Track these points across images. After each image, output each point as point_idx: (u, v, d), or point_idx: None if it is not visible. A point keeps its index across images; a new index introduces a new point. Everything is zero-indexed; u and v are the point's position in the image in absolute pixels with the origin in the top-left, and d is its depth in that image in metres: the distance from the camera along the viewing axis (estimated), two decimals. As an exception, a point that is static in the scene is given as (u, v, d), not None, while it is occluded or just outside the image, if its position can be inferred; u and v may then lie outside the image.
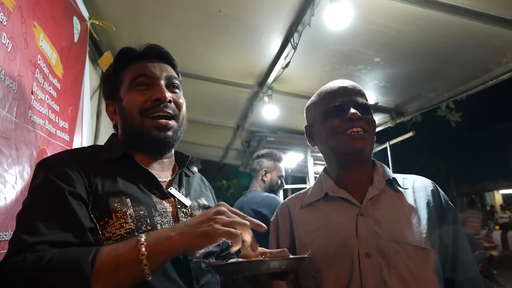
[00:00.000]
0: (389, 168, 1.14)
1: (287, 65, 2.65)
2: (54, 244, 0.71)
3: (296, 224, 1.11)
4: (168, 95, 0.95)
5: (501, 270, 6.89)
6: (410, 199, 1.06)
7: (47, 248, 0.70)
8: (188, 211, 0.96)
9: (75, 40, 1.75)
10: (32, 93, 1.21)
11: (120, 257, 0.69)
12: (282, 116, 3.65)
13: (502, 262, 8.89)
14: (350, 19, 2.01)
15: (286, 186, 6.16)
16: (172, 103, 0.96)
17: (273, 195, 2.52)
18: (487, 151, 19.56)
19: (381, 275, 0.95)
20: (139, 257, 0.68)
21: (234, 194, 15.24)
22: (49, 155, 1.34)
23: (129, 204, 0.83)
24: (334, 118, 1.06)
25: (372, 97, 3.35)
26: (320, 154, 4.62)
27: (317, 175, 1.23)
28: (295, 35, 2.27)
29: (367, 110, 1.07)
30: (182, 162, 1.06)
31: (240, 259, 0.85)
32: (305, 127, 1.20)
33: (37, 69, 1.26)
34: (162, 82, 0.96)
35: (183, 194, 0.99)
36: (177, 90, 1.01)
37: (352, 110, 1.03)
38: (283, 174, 2.66)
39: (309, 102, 1.20)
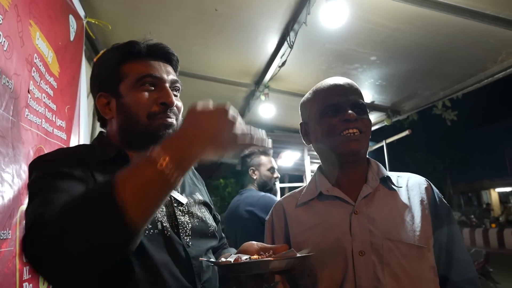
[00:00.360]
0: (385, 166, 1.14)
1: (283, 63, 2.66)
2: None
3: (290, 223, 1.12)
4: (175, 100, 0.94)
5: (497, 267, 6.94)
6: (404, 197, 1.06)
7: None
8: (185, 209, 0.96)
9: (71, 38, 1.75)
10: (28, 92, 1.21)
11: (145, 176, 0.66)
12: (278, 114, 3.66)
13: (498, 260, 8.95)
14: (346, 17, 2.02)
15: (282, 185, 6.18)
16: (176, 108, 0.96)
17: (269, 194, 2.48)
18: (484, 150, 19.69)
19: (375, 272, 0.95)
20: (166, 172, 0.65)
21: (231, 193, 15.24)
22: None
23: None
24: (330, 118, 1.05)
25: (368, 95, 3.37)
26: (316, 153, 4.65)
27: (313, 174, 1.23)
28: (291, 34, 2.28)
29: (363, 109, 1.07)
30: None
31: (241, 255, 0.87)
32: (300, 124, 1.19)
33: (34, 68, 1.26)
34: (168, 85, 0.95)
35: (178, 191, 1.00)
36: (177, 94, 1.00)
37: (349, 111, 1.02)
38: (273, 165, 2.62)
39: (304, 98, 1.19)
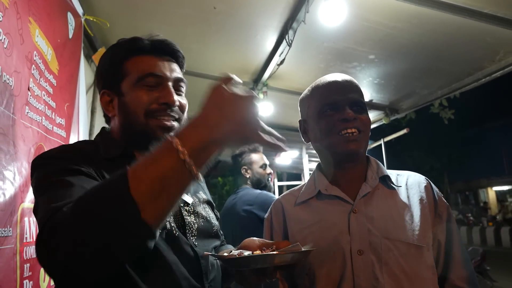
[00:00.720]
0: (383, 165, 1.13)
1: (282, 62, 2.67)
2: None
3: (289, 221, 1.11)
4: (176, 99, 0.91)
5: (494, 266, 6.99)
6: (403, 196, 1.05)
7: None
8: (191, 209, 0.95)
9: (70, 36, 1.74)
10: (28, 89, 1.22)
11: (162, 169, 0.60)
12: (277, 113, 3.66)
13: (495, 258, 9.01)
14: (344, 16, 2.03)
15: (281, 183, 6.20)
16: (178, 108, 0.93)
17: (266, 192, 2.46)
18: (481, 148, 19.77)
19: (373, 272, 0.95)
20: (184, 164, 0.60)
21: (229, 191, 15.24)
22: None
23: None
24: (328, 117, 1.04)
25: (366, 94, 3.38)
26: (315, 151, 4.67)
27: (312, 172, 1.23)
28: (290, 32, 2.28)
29: (362, 107, 1.06)
30: None
31: (243, 250, 0.87)
32: (299, 121, 1.18)
33: (33, 65, 1.27)
34: (171, 84, 0.92)
35: None
36: (183, 93, 0.97)
37: (347, 110, 1.01)
38: (265, 162, 2.58)
39: (303, 95, 1.18)
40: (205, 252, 0.84)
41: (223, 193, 15.18)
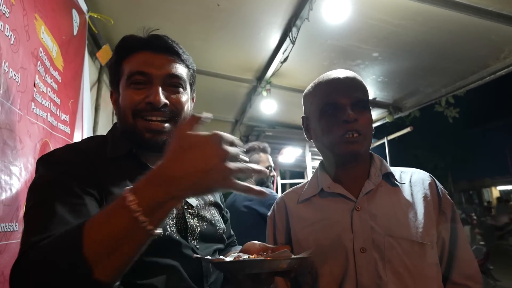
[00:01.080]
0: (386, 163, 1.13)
1: (285, 59, 2.66)
2: None
3: (292, 219, 1.11)
4: (163, 99, 0.87)
5: (498, 265, 6.96)
6: (407, 193, 1.04)
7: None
8: (195, 212, 0.95)
9: (75, 33, 1.76)
10: (34, 86, 1.23)
11: (115, 228, 0.58)
12: (280, 110, 3.66)
13: (498, 257, 8.97)
14: (348, 13, 2.03)
15: (284, 181, 6.20)
16: (169, 107, 0.89)
17: (265, 188, 2.51)
18: (485, 147, 19.65)
19: (376, 269, 0.95)
20: (138, 224, 0.57)
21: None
22: (51, 147, 1.36)
23: None
24: (329, 118, 1.03)
25: (370, 92, 3.37)
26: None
27: (314, 170, 1.23)
28: (294, 30, 2.28)
29: (364, 107, 1.04)
30: None
31: (242, 254, 0.86)
32: (302, 118, 1.18)
33: (39, 62, 1.28)
34: (160, 83, 0.89)
35: None
36: (179, 89, 0.92)
37: (348, 111, 1.00)
38: (271, 163, 2.62)
39: (306, 90, 1.16)
40: (194, 255, 0.82)
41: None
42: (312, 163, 4.85)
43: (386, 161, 1.15)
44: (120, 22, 2.25)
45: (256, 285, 0.81)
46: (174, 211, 0.89)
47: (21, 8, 1.13)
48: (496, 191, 22.00)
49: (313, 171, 4.97)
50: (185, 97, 0.94)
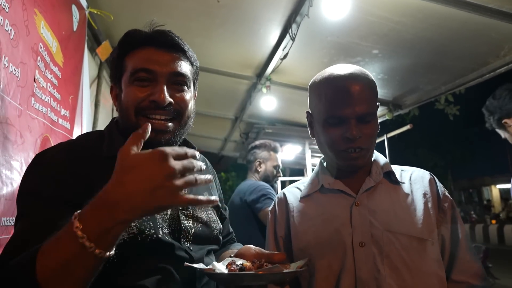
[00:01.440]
0: None
1: (285, 56, 2.66)
2: None
3: (292, 213, 1.12)
4: (168, 98, 0.85)
5: (497, 263, 6.98)
6: (407, 190, 1.05)
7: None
8: (190, 213, 0.94)
9: (74, 28, 1.76)
10: (34, 81, 1.23)
11: (64, 255, 0.59)
12: (280, 107, 3.66)
13: (498, 256, 9.00)
14: (348, 10, 2.03)
15: (283, 178, 6.20)
16: (173, 106, 0.87)
17: (262, 182, 2.52)
18: (485, 146, 19.66)
19: (375, 264, 0.96)
20: (85, 250, 0.57)
21: (232, 187, 15.28)
22: (52, 143, 1.36)
23: None
24: (333, 129, 1.01)
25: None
26: (317, 147, 4.66)
27: (314, 167, 1.23)
28: (294, 26, 2.28)
29: (370, 120, 1.01)
30: None
31: (236, 259, 0.86)
32: (306, 112, 1.15)
33: (39, 57, 1.28)
34: (165, 81, 0.87)
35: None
36: (183, 87, 0.91)
37: (352, 127, 0.97)
38: (279, 164, 2.65)
39: (312, 82, 1.11)
40: (185, 264, 0.81)
41: (226, 189, 15.21)
42: (312, 160, 4.86)
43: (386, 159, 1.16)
44: (120, 18, 2.25)
45: None
46: (169, 212, 0.89)
47: (21, 3, 1.14)
48: (495, 189, 22.01)
49: (312, 169, 4.97)
50: (189, 95, 0.93)
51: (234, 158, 6.57)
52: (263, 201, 2.31)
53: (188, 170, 0.60)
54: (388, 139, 4.59)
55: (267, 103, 3.42)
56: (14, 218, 1.08)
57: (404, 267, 0.95)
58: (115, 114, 1.01)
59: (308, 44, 2.59)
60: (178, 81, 0.90)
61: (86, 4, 1.94)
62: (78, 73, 1.80)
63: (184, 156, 0.61)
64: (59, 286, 0.59)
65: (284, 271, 0.78)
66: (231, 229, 1.26)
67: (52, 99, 1.41)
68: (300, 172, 5.84)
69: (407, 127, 4.41)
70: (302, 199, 1.13)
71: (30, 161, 1.16)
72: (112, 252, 0.62)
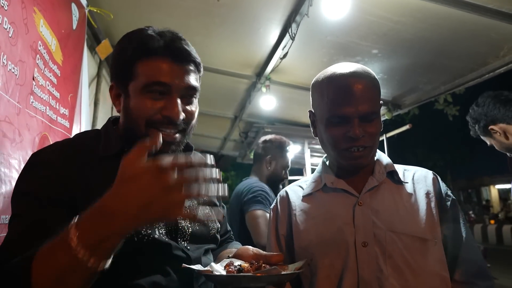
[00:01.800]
0: None
1: (285, 55, 2.66)
2: None
3: (294, 212, 1.12)
4: (181, 114, 0.85)
5: (495, 263, 7.00)
6: (409, 190, 1.05)
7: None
8: (187, 212, 0.94)
9: (74, 27, 1.75)
10: (33, 79, 1.23)
11: (58, 264, 0.59)
12: (279, 107, 3.66)
13: (496, 256, 9.01)
14: (347, 10, 2.03)
15: (283, 178, 6.21)
16: (183, 119, 0.87)
17: (262, 184, 2.29)
18: (484, 146, 19.60)
19: (378, 264, 0.95)
20: (79, 260, 0.57)
21: (231, 186, 15.26)
22: (50, 141, 1.36)
23: None
24: (335, 129, 1.00)
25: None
26: (317, 146, 4.66)
27: (314, 167, 1.23)
28: (293, 26, 2.28)
29: (373, 119, 1.00)
30: (184, 151, 1.00)
31: (234, 260, 0.87)
32: (309, 111, 1.15)
33: (38, 55, 1.28)
34: (179, 95, 0.86)
35: None
36: (194, 100, 0.91)
37: (355, 126, 0.97)
38: (289, 165, 2.46)
39: (315, 81, 1.09)
40: (183, 265, 0.81)
41: (225, 188, 15.17)
42: (311, 160, 4.86)
43: (385, 158, 1.15)
44: (119, 17, 2.25)
45: None
46: None
47: (20, 1, 1.14)
48: (494, 189, 22.04)
49: (312, 168, 4.97)
50: (196, 105, 0.93)
51: (234, 157, 6.57)
52: (251, 202, 2.12)
53: (190, 181, 0.59)
54: (388, 139, 4.59)
55: (267, 102, 3.42)
56: (12, 217, 1.09)
57: (406, 267, 0.95)
58: (114, 113, 1.01)
59: (307, 44, 2.59)
60: (189, 94, 0.89)
61: (85, 3, 1.93)
62: (77, 71, 1.80)
63: (187, 165, 0.59)
64: None
65: (282, 273, 0.78)
66: (229, 228, 1.26)
67: (51, 97, 1.41)
68: (299, 172, 5.84)
69: (407, 127, 4.42)
70: (305, 197, 1.13)
71: (28, 159, 1.17)
72: (107, 264, 0.61)
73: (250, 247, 0.93)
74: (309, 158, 4.83)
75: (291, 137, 4.65)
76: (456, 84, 2.99)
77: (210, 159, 0.62)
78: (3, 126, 1.03)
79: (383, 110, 3.81)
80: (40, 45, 1.30)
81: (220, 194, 0.62)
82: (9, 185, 1.06)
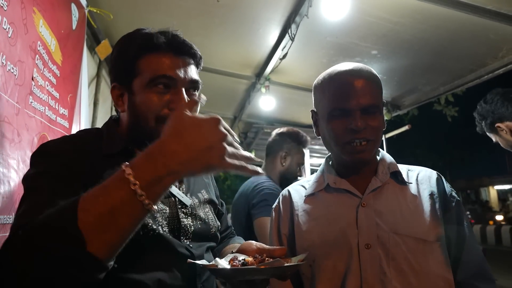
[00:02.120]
0: None
1: (284, 56, 2.66)
2: None
3: (297, 212, 1.11)
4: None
5: (494, 264, 7.01)
6: (413, 191, 1.04)
7: None
8: (189, 211, 0.94)
9: (73, 27, 1.75)
10: (32, 79, 1.23)
11: (111, 200, 0.58)
12: (279, 107, 3.67)
13: (495, 257, 9.03)
14: (347, 10, 2.03)
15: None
16: None
17: (271, 184, 2.06)
18: (483, 147, 19.72)
19: (381, 266, 0.94)
20: (136, 197, 0.58)
21: (230, 186, 15.29)
22: (49, 141, 1.36)
23: None
24: (337, 123, 1.00)
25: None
26: (316, 147, 4.66)
27: (314, 167, 1.23)
28: (293, 26, 2.28)
29: (375, 112, 1.00)
30: None
31: (238, 255, 0.87)
32: (311, 111, 1.15)
33: (37, 55, 1.28)
34: (184, 87, 0.88)
35: (183, 191, 0.97)
36: (196, 93, 0.93)
37: (357, 118, 0.96)
38: (304, 163, 2.26)
39: (316, 83, 1.11)
40: (188, 260, 0.82)
41: (225, 188, 15.21)
42: (310, 160, 4.86)
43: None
44: (119, 17, 2.25)
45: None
46: (168, 211, 0.89)
47: (19, 1, 1.14)
48: (493, 190, 22.06)
49: (311, 169, 4.95)
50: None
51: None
52: (261, 207, 1.91)
53: (233, 144, 0.66)
54: (387, 139, 4.60)
55: (266, 103, 3.42)
56: (11, 217, 1.09)
57: (410, 270, 0.94)
58: (114, 113, 1.01)
59: (307, 44, 2.59)
60: (193, 87, 0.92)
61: (85, 3, 1.93)
62: (77, 71, 1.80)
63: (229, 131, 0.66)
64: (101, 234, 0.57)
65: (286, 264, 0.79)
66: (229, 223, 1.27)
67: (50, 97, 1.41)
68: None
69: (406, 127, 4.42)
70: (307, 197, 1.12)
71: (27, 159, 1.17)
72: (156, 207, 0.62)
73: (253, 241, 0.94)
74: (308, 159, 4.83)
75: (291, 137, 4.67)
76: (455, 85, 3.00)
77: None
78: (2, 126, 1.03)
79: (382, 110, 3.81)
80: (39, 45, 1.30)
81: (252, 159, 0.68)
82: (8, 185, 1.06)
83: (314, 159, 4.95)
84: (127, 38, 0.92)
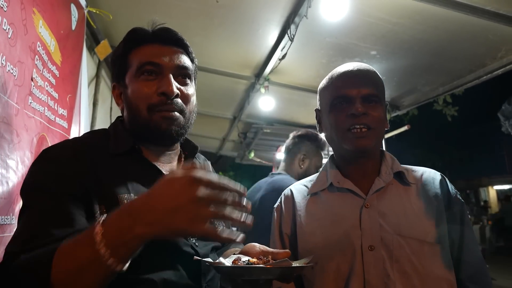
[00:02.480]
0: None
1: (283, 56, 2.66)
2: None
3: (299, 212, 1.10)
4: (175, 89, 0.88)
5: (493, 264, 7.02)
6: (417, 193, 1.03)
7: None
8: (208, 229, 0.94)
9: (73, 27, 1.75)
10: (32, 80, 1.23)
11: (79, 258, 0.60)
12: (278, 108, 3.67)
13: (494, 256, 9.04)
14: (346, 11, 2.03)
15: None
16: (179, 98, 0.89)
17: (281, 177, 2.09)
18: (483, 147, 19.72)
19: (384, 268, 0.94)
20: (100, 257, 0.57)
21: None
22: (48, 142, 1.36)
23: None
24: (338, 111, 1.02)
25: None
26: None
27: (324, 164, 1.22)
28: (292, 27, 2.28)
29: (375, 102, 1.02)
30: (189, 151, 1.03)
31: (241, 256, 0.86)
32: (315, 110, 1.17)
33: (37, 56, 1.28)
34: (171, 72, 0.89)
35: None
36: (187, 81, 0.94)
37: (357, 104, 0.98)
38: (322, 165, 2.29)
39: (321, 84, 1.15)
40: (195, 257, 0.83)
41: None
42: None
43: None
44: (118, 17, 2.25)
45: None
46: None
47: (19, 2, 1.14)
48: (493, 190, 22.07)
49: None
50: (192, 89, 0.96)
51: (232, 157, 6.56)
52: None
53: (217, 202, 0.59)
54: (386, 139, 4.59)
55: (265, 103, 3.43)
56: (9, 217, 1.09)
57: (414, 272, 0.93)
58: (114, 113, 1.02)
59: (306, 45, 2.60)
60: (182, 74, 0.93)
61: (85, 3, 1.93)
62: (76, 72, 1.80)
63: (220, 186, 0.59)
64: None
65: (293, 265, 0.79)
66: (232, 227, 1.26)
67: (49, 98, 1.41)
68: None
69: (405, 127, 4.42)
70: (310, 197, 1.11)
71: (26, 160, 1.17)
72: (125, 268, 0.61)
73: (256, 244, 0.93)
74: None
75: (290, 137, 4.67)
76: (455, 86, 3.01)
77: (242, 188, 0.63)
78: (1, 127, 1.03)
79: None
80: (39, 46, 1.30)
81: (242, 222, 0.62)
82: (6, 186, 1.06)
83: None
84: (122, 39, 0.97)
